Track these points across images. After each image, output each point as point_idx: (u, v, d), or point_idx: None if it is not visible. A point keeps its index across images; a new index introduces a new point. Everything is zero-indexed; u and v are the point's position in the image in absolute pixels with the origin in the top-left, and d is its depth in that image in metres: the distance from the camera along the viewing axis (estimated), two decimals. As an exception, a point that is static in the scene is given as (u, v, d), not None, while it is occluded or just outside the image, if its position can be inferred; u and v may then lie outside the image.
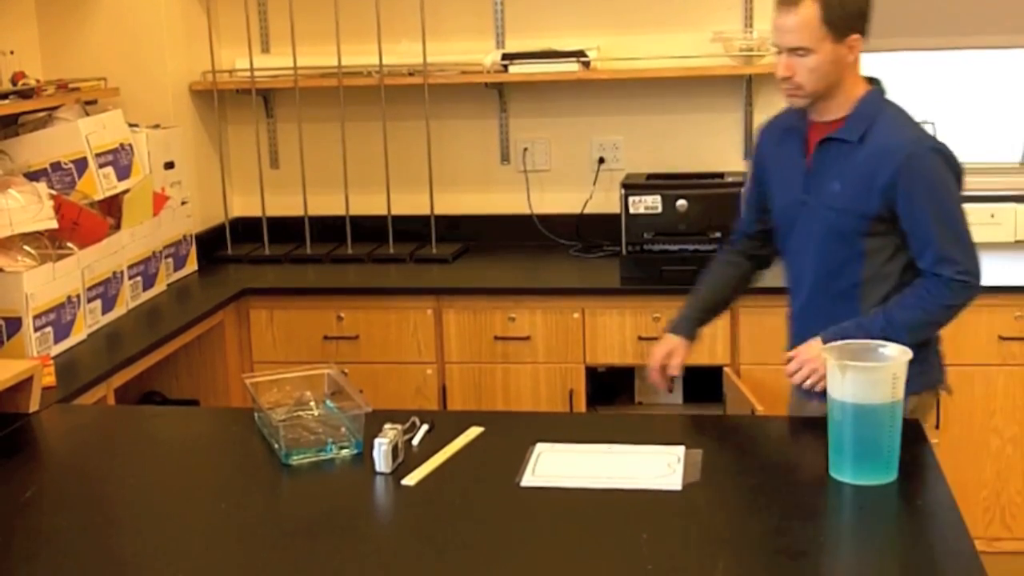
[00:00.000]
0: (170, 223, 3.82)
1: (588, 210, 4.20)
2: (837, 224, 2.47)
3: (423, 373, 3.73)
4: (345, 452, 2.32)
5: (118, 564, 1.96)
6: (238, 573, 1.92)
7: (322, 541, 1.97)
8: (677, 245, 3.69)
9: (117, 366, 3.05)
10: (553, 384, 3.68)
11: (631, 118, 4.18)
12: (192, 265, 3.99)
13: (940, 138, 2.53)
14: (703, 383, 3.80)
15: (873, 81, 2.54)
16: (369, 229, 4.21)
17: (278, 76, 4.18)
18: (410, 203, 4.22)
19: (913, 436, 2.29)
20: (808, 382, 2.40)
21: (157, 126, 3.89)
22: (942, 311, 2.45)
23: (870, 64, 4.13)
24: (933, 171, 2.42)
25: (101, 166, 3.45)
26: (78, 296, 3.20)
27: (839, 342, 2.22)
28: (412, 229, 4.21)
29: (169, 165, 3.87)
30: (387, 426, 2.27)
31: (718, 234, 3.60)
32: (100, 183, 3.43)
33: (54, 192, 3.25)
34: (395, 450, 2.24)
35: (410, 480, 2.19)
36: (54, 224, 3.14)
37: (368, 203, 4.20)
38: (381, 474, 2.21)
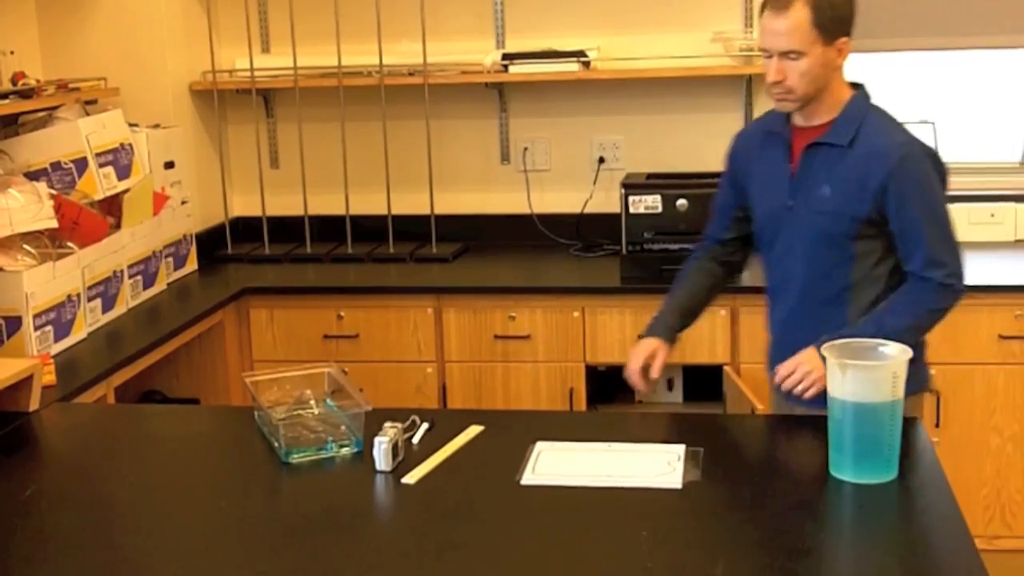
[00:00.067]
0: (170, 222, 3.82)
1: (588, 210, 4.20)
2: (827, 228, 2.47)
3: (423, 372, 3.73)
4: (345, 451, 2.32)
5: (118, 563, 1.96)
6: (238, 571, 1.92)
7: (322, 539, 1.97)
8: (677, 245, 3.68)
9: (117, 365, 3.05)
10: (553, 383, 3.68)
11: (631, 118, 4.18)
12: (192, 264, 3.99)
13: (929, 140, 2.53)
14: (703, 382, 3.81)
15: (857, 86, 2.53)
16: (369, 229, 4.22)
17: (278, 76, 4.18)
18: (410, 203, 4.22)
19: (913, 435, 2.29)
20: (800, 387, 2.40)
21: (157, 126, 3.89)
22: (930, 316, 2.45)
23: (870, 64, 4.15)
24: (924, 174, 2.43)
25: (101, 166, 3.45)
26: (78, 295, 3.20)
27: (839, 341, 2.22)
28: (412, 229, 4.21)
29: (169, 165, 3.88)
30: (387, 425, 2.27)
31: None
32: (100, 183, 3.43)
33: (54, 192, 3.25)
34: (395, 448, 2.24)
35: (410, 478, 2.19)
36: (54, 223, 3.15)
37: (368, 203, 4.21)
38: (381, 472, 2.21)
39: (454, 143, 4.29)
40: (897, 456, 2.12)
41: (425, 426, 2.40)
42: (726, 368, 3.54)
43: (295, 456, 2.29)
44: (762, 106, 4.03)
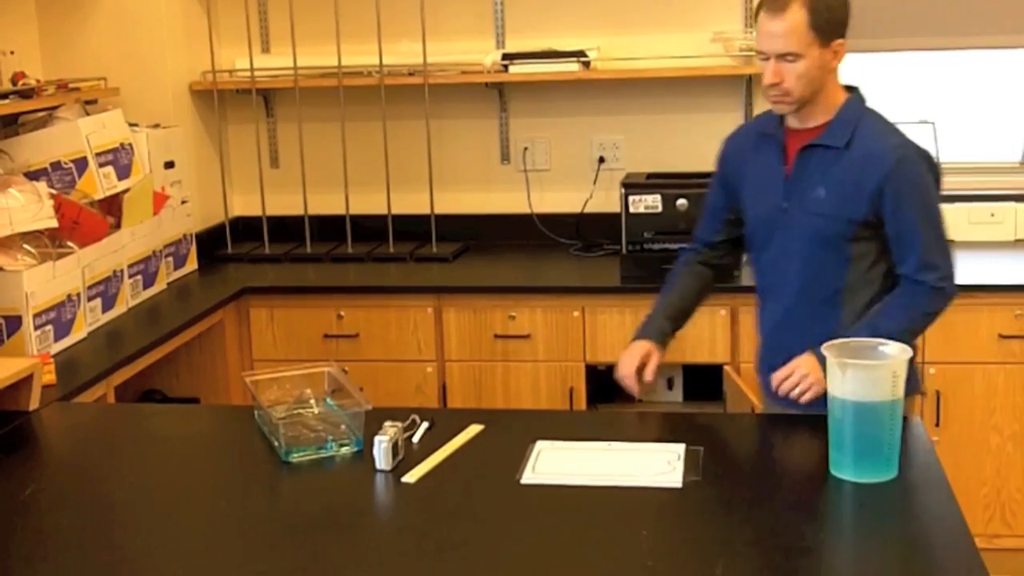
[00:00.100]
0: (170, 222, 3.82)
1: (588, 209, 4.20)
2: (823, 230, 2.47)
3: (423, 371, 3.73)
4: (345, 450, 2.32)
5: (118, 562, 1.96)
6: (238, 571, 1.92)
7: (322, 538, 1.97)
8: (677, 244, 3.64)
9: (117, 364, 3.05)
10: (553, 382, 3.68)
11: (631, 118, 4.19)
12: (192, 264, 3.99)
13: (928, 140, 2.54)
14: (703, 381, 3.81)
15: (851, 88, 2.53)
16: (369, 228, 4.22)
17: (278, 76, 4.18)
18: (410, 202, 4.22)
19: (913, 434, 2.29)
20: (796, 391, 2.39)
21: (157, 126, 3.89)
22: (924, 319, 2.46)
23: (870, 64, 4.15)
24: (920, 176, 2.44)
25: (101, 165, 3.46)
26: (78, 295, 3.20)
27: (838, 341, 2.22)
28: (412, 228, 4.21)
29: (169, 164, 3.88)
30: (387, 424, 2.27)
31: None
32: (100, 182, 3.43)
33: (54, 191, 3.26)
34: (395, 448, 2.24)
35: (410, 478, 2.19)
36: (54, 223, 3.15)
37: (368, 202, 4.21)
38: (381, 472, 2.22)
39: (454, 143, 4.29)
40: (897, 455, 2.13)
41: (425, 425, 2.40)
42: (726, 368, 3.53)
43: (295, 455, 2.29)
44: (762, 106, 4.01)
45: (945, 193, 4.00)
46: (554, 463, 2.24)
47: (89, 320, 3.27)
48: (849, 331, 2.38)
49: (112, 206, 3.52)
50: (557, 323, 3.66)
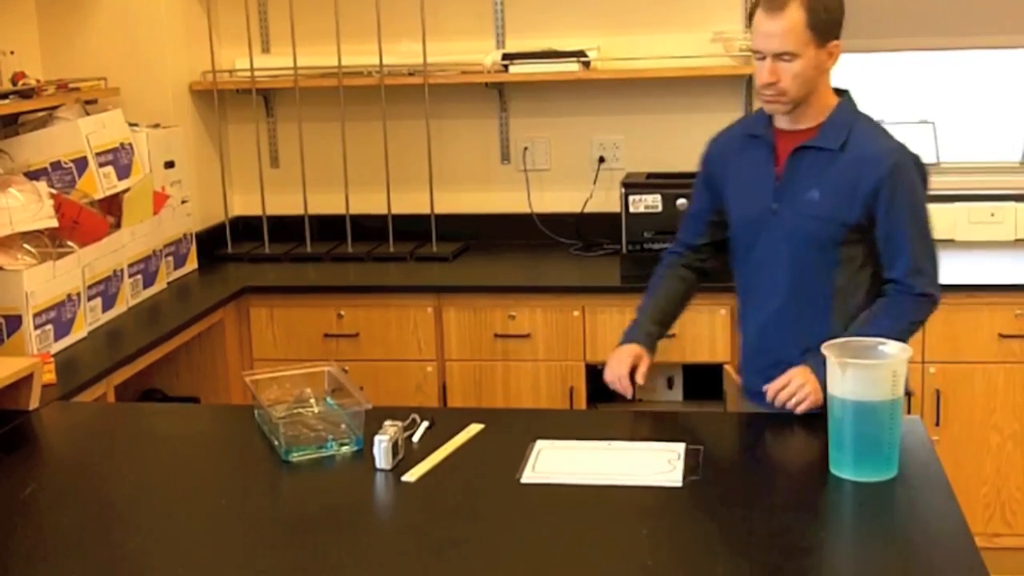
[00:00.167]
0: (170, 222, 3.82)
1: (588, 209, 4.20)
2: (815, 233, 2.45)
3: (423, 370, 3.73)
4: (345, 449, 2.32)
5: (118, 561, 1.96)
6: (238, 570, 1.92)
7: (322, 537, 1.97)
8: (677, 244, 3.68)
9: (117, 363, 3.05)
10: (553, 381, 3.68)
11: (631, 118, 4.19)
12: (192, 264, 3.99)
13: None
14: (703, 381, 3.81)
15: (841, 92, 2.53)
16: (369, 228, 4.22)
17: (278, 76, 4.18)
18: (410, 202, 4.22)
19: (913, 433, 2.29)
20: (793, 401, 2.39)
21: (157, 126, 3.89)
22: (911, 327, 2.45)
23: (870, 64, 4.16)
24: (913, 182, 2.44)
25: (101, 165, 3.46)
26: (78, 294, 3.20)
27: (838, 340, 2.22)
28: (412, 228, 4.21)
29: (169, 164, 3.88)
30: (387, 423, 2.27)
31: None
32: (100, 182, 3.44)
33: (54, 191, 3.26)
34: (395, 447, 2.24)
35: (410, 477, 2.19)
36: (54, 223, 3.15)
37: (368, 202, 4.21)
38: (381, 471, 2.22)
39: (454, 143, 4.29)
40: (897, 454, 2.13)
41: (425, 424, 2.40)
42: (726, 367, 3.51)
43: (295, 454, 2.29)
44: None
45: (945, 193, 4.05)
46: (554, 462, 2.24)
47: (89, 319, 3.27)
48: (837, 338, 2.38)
49: (112, 206, 3.52)
50: (557, 323, 3.66)
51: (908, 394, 2.54)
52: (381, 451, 2.22)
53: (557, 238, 4.22)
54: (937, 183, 4.05)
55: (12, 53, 3.66)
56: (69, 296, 3.16)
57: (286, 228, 4.27)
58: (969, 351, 3.51)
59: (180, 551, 1.97)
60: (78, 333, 3.20)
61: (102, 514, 2.15)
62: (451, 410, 3.41)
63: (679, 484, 2.13)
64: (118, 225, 3.50)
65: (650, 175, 3.99)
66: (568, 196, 4.23)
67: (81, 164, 3.41)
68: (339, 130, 4.18)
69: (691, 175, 3.90)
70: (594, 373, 3.73)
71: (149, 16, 3.99)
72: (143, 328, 3.38)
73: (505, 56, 4.03)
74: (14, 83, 3.53)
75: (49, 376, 2.80)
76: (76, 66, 3.92)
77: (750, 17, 2.47)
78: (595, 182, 4.21)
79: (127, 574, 1.93)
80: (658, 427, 2.58)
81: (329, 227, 4.24)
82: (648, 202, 3.74)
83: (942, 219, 3.95)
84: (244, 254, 4.20)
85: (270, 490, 2.25)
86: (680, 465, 2.20)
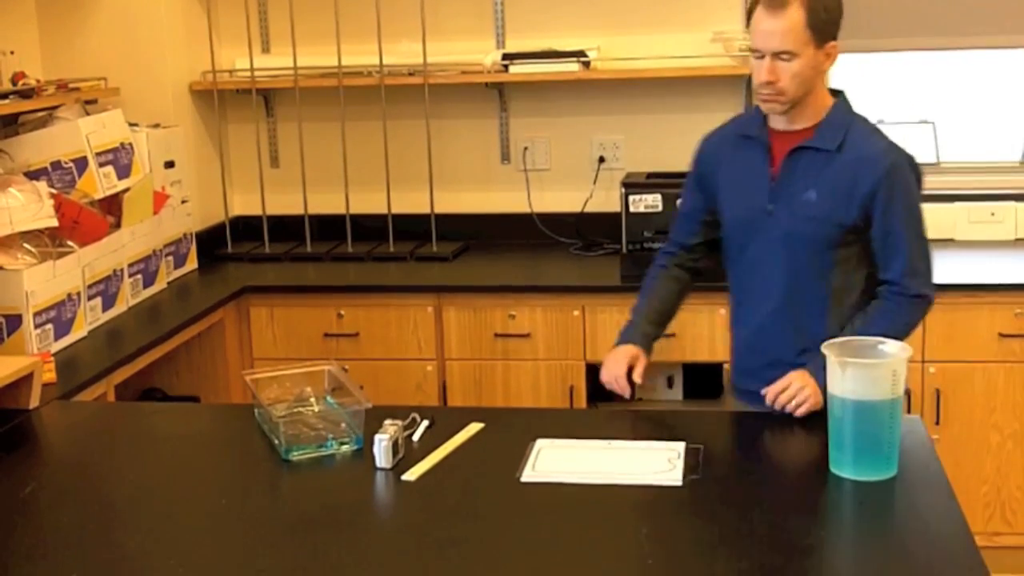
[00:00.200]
0: (170, 221, 3.82)
1: (588, 209, 4.20)
2: (811, 234, 2.45)
3: (423, 370, 3.73)
4: (345, 448, 2.32)
5: (118, 560, 1.96)
6: (238, 569, 1.92)
7: (322, 536, 1.98)
8: (677, 243, 3.68)
9: (117, 363, 3.05)
10: (553, 381, 3.69)
11: (631, 118, 4.19)
12: (192, 263, 3.99)
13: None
14: (703, 380, 3.81)
15: (836, 92, 2.52)
16: (369, 228, 4.22)
17: (278, 76, 4.18)
18: (410, 201, 4.22)
19: (913, 432, 2.29)
20: (792, 403, 2.39)
21: (157, 125, 3.89)
22: (907, 329, 2.44)
23: (870, 64, 4.16)
24: (909, 183, 2.44)
25: (101, 165, 3.46)
26: (78, 294, 3.20)
27: (838, 340, 2.22)
28: (412, 228, 4.21)
29: (169, 164, 3.88)
30: (387, 422, 2.27)
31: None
32: (100, 182, 3.44)
33: (54, 191, 3.26)
34: (395, 446, 2.24)
35: (410, 476, 2.19)
36: (54, 222, 3.15)
37: (368, 202, 4.21)
38: (381, 470, 2.22)
39: (454, 143, 4.29)
40: (897, 453, 2.13)
41: (425, 424, 2.40)
42: (726, 366, 3.54)
43: (295, 453, 2.29)
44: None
45: (945, 193, 4.05)
46: (554, 461, 2.24)
47: (89, 319, 3.27)
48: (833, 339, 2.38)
49: (112, 205, 3.52)
50: (557, 322, 3.66)
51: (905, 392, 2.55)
52: (381, 450, 2.22)
53: (557, 238, 4.22)
54: (937, 183, 4.09)
55: (12, 53, 3.66)
56: (69, 296, 3.16)
57: (286, 228, 4.27)
58: (969, 350, 3.51)
59: (180, 550, 1.97)
60: (78, 332, 3.20)
61: (102, 513, 2.15)
62: (451, 409, 3.41)
63: (679, 483, 2.13)
64: (118, 225, 3.50)
65: (650, 175, 3.99)
66: (568, 196, 4.23)
67: (81, 164, 3.41)
68: (339, 130, 4.18)
69: (691, 175, 3.95)
70: (594, 372, 3.72)
71: (149, 16, 3.99)
72: (143, 327, 3.38)
73: (505, 56, 4.03)
74: (14, 83, 3.53)
75: (49, 375, 2.80)
76: (76, 66, 3.92)
77: (749, 16, 2.46)
78: (595, 182, 4.21)
79: (127, 573, 1.93)
80: (658, 426, 2.58)
81: (329, 227, 4.24)
82: (648, 202, 3.74)
83: (942, 219, 3.99)
84: (244, 254, 4.20)
85: (270, 489, 2.25)
86: (680, 464, 2.20)
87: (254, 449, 2.39)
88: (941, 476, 2.14)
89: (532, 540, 1.96)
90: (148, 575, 1.91)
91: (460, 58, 4.08)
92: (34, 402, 2.66)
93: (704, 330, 3.57)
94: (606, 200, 4.15)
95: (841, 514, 2.11)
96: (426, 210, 4.19)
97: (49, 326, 3.06)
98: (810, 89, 2.42)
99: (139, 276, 3.58)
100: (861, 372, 2.11)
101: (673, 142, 4.16)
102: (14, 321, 2.98)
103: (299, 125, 4.21)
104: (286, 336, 3.79)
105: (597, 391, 3.78)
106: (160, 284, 3.73)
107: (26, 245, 3.13)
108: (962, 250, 3.94)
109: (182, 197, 3.94)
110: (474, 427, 2.41)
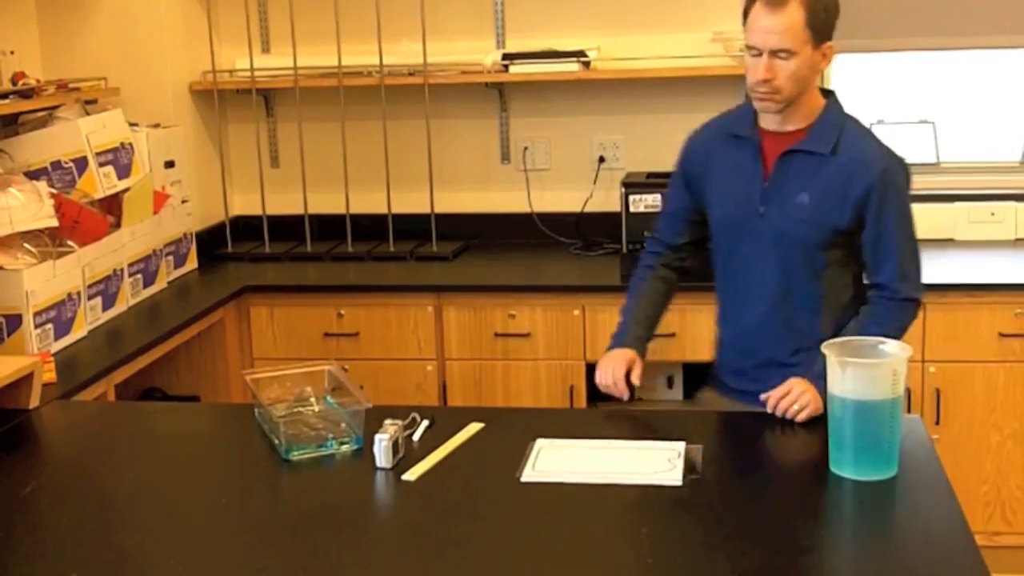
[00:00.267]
0: (170, 221, 3.82)
1: (588, 208, 4.20)
2: (804, 236, 2.44)
3: (423, 369, 3.73)
4: (345, 448, 2.32)
5: (118, 559, 1.96)
6: (238, 568, 1.92)
7: (322, 536, 1.98)
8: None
9: (117, 362, 3.05)
10: (553, 381, 3.69)
11: (631, 117, 4.19)
12: (192, 263, 4.00)
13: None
14: (703, 379, 3.80)
15: (828, 93, 2.51)
16: (369, 227, 4.22)
17: (278, 76, 4.18)
18: (410, 201, 4.22)
19: (913, 432, 2.29)
20: (794, 408, 2.38)
21: (157, 125, 3.89)
22: (899, 333, 2.43)
23: (870, 64, 4.15)
24: (901, 187, 2.44)
25: (101, 165, 3.46)
26: (78, 293, 3.20)
27: (838, 339, 2.22)
28: (412, 227, 4.21)
29: (169, 164, 3.88)
30: (387, 422, 2.27)
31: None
32: (100, 182, 3.44)
33: (54, 191, 3.26)
34: (395, 446, 2.24)
35: (410, 475, 2.19)
36: (54, 222, 3.15)
37: (368, 201, 4.21)
38: (381, 469, 2.21)
39: (454, 143, 4.29)
40: (897, 453, 2.13)
41: (425, 423, 2.40)
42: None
43: (295, 453, 2.29)
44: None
45: (945, 193, 4.04)
46: (554, 461, 2.24)
47: (89, 319, 3.27)
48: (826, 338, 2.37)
49: (112, 205, 3.52)
50: (557, 322, 3.66)
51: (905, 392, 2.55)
52: (381, 450, 2.22)
53: (557, 237, 4.22)
54: (937, 183, 4.09)
55: (12, 53, 3.66)
56: (69, 295, 3.16)
57: (286, 228, 4.27)
58: (969, 350, 3.51)
59: (180, 549, 1.97)
60: (78, 332, 3.20)
61: (102, 513, 2.15)
62: (451, 409, 3.41)
63: (679, 483, 2.13)
64: (118, 225, 3.50)
65: (650, 175, 3.99)
66: (568, 196, 4.23)
67: (81, 164, 3.41)
68: (339, 130, 4.18)
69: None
70: (594, 372, 3.73)
71: (149, 16, 3.99)
72: (143, 327, 3.38)
73: (505, 56, 4.03)
74: (14, 83, 3.53)
75: (49, 375, 2.80)
76: (76, 66, 3.92)
77: (745, 14, 2.45)
78: (595, 182, 4.21)
79: (127, 572, 1.93)
80: (658, 426, 2.57)
81: (329, 227, 4.24)
82: (648, 202, 3.74)
83: (942, 219, 3.99)
84: (244, 253, 4.20)
85: (270, 489, 2.25)
86: (680, 464, 2.20)
87: (254, 449, 2.39)
88: (941, 476, 2.14)
89: (532, 540, 1.96)
90: (148, 575, 1.91)
91: (460, 58, 4.08)
92: (34, 402, 2.66)
93: (704, 330, 3.56)
94: (606, 200, 4.15)
95: (841, 514, 2.11)
96: (426, 210, 4.19)
97: (49, 326, 3.06)
98: (804, 89, 2.42)
99: (139, 276, 3.58)
100: (861, 372, 2.11)
101: (673, 142, 4.10)
102: (14, 321, 2.98)
103: (299, 125, 4.21)
104: (286, 336, 3.79)
105: (597, 391, 3.78)
106: (160, 284, 3.73)
107: (26, 245, 3.13)
108: (962, 250, 3.94)
109: (182, 197, 3.94)
110: (474, 427, 2.41)
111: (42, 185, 3.22)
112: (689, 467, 2.18)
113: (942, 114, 4.19)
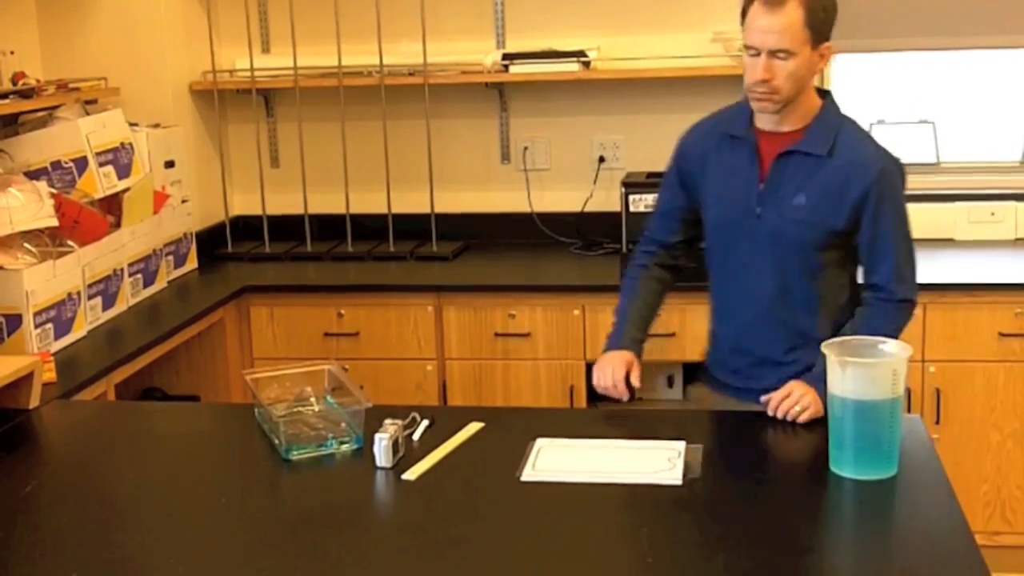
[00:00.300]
0: (170, 221, 3.82)
1: (588, 208, 4.20)
2: (800, 238, 2.44)
3: (423, 369, 3.73)
4: (345, 447, 2.32)
5: (118, 559, 1.96)
6: (238, 568, 1.92)
7: (322, 536, 1.98)
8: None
9: (117, 362, 3.05)
10: (553, 380, 3.69)
11: (631, 117, 4.19)
12: (192, 263, 4.00)
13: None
14: (696, 375, 3.81)
15: (824, 93, 2.51)
16: (369, 227, 4.22)
17: (278, 76, 4.18)
18: (410, 201, 4.22)
19: (914, 431, 2.29)
20: (795, 410, 2.38)
21: (157, 125, 3.89)
22: (894, 334, 2.42)
23: (870, 64, 4.16)
24: (898, 187, 2.44)
25: (101, 165, 3.46)
26: (78, 293, 3.20)
27: (838, 339, 2.22)
28: (412, 227, 4.21)
29: (169, 164, 3.88)
30: (387, 421, 2.27)
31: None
32: (100, 182, 3.44)
33: (54, 191, 3.26)
34: (395, 445, 2.24)
35: (410, 475, 2.19)
36: (54, 222, 3.15)
37: (368, 201, 4.21)
38: (381, 469, 2.22)
39: (454, 143, 4.29)
40: (897, 453, 2.13)
41: (425, 423, 2.40)
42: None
43: (295, 453, 2.29)
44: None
45: (945, 193, 4.04)
46: (554, 461, 2.24)
47: (89, 318, 3.27)
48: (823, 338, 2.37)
49: (112, 205, 3.52)
50: (557, 321, 3.66)
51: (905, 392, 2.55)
52: (381, 449, 2.22)
53: (557, 237, 4.22)
54: (937, 183, 4.09)
55: (12, 53, 3.66)
56: (69, 295, 3.16)
57: (286, 227, 4.27)
58: (969, 350, 3.51)
59: (180, 549, 1.97)
60: (78, 332, 3.20)
61: (102, 512, 2.15)
62: (451, 408, 3.41)
63: (679, 482, 2.13)
64: (118, 224, 3.50)
65: (650, 175, 3.98)
66: (568, 196, 4.23)
67: (81, 164, 3.41)
68: (339, 130, 4.19)
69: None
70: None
71: (149, 16, 3.99)
72: (143, 327, 3.38)
73: (505, 56, 4.03)
74: (14, 83, 3.53)
75: (49, 375, 2.80)
76: (76, 66, 3.92)
77: (743, 14, 2.44)
78: (595, 182, 4.21)
79: (127, 573, 1.93)
80: (658, 425, 2.57)
81: (329, 226, 4.25)
82: (648, 201, 3.74)
83: (942, 219, 4.00)
84: (244, 253, 4.20)
85: (270, 489, 2.25)
86: (680, 463, 2.20)
87: (254, 449, 2.39)
88: (941, 475, 2.14)
89: (532, 540, 1.96)
90: (148, 574, 1.91)
91: (460, 58, 4.08)
92: (34, 402, 2.66)
93: (703, 330, 3.53)
94: (606, 200, 4.15)
95: (841, 514, 2.11)
96: (426, 210, 4.19)
97: (49, 325, 3.06)
98: (802, 89, 2.41)
99: (139, 276, 3.58)
100: (861, 371, 2.11)
101: (673, 142, 4.13)
102: (14, 321, 2.98)
103: (299, 125, 4.21)
104: (286, 336, 3.79)
105: (596, 391, 3.78)
106: (160, 284, 3.73)
107: (26, 245, 3.13)
108: (962, 250, 3.94)
109: (182, 197, 3.94)
110: (474, 426, 2.41)
111: (42, 185, 3.22)
112: (689, 467, 2.18)
113: (942, 114, 4.19)
